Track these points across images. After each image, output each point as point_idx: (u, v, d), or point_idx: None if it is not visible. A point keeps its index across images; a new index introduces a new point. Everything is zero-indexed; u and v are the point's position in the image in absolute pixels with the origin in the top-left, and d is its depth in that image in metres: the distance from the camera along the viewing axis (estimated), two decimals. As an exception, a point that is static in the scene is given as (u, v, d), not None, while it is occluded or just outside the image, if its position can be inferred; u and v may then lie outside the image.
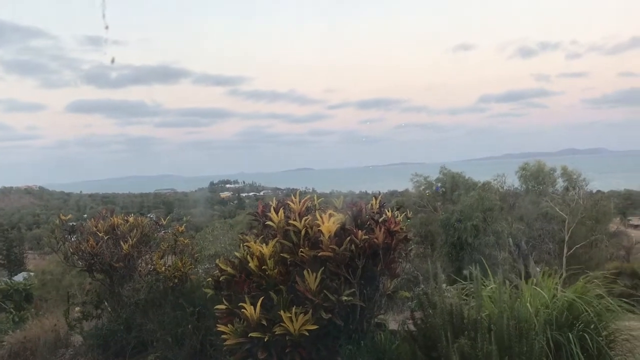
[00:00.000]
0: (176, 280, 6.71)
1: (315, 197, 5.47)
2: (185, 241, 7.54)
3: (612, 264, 22.62)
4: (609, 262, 23.92)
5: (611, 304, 4.84)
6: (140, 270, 7.13)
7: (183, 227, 7.75)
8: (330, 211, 4.97)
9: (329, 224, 4.70)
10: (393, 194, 43.01)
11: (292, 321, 4.41)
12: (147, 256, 7.32)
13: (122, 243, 7.08)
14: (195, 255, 7.64)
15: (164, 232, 7.92)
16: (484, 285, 5.10)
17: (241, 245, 5.10)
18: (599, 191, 40.44)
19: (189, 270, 6.93)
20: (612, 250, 28.91)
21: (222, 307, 4.80)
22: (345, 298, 4.53)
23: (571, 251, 23.95)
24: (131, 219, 7.58)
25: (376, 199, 5.30)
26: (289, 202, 5.21)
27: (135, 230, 7.31)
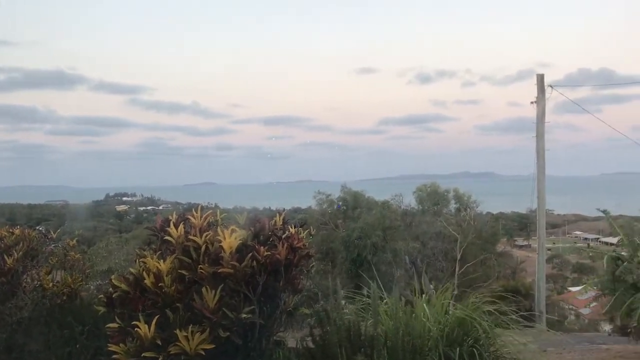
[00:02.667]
0: (65, 297, 6.32)
1: (217, 213, 5.37)
2: (77, 256, 7.13)
3: (499, 282, 24.03)
4: (497, 281, 25.39)
5: (500, 320, 5.13)
6: (25, 287, 6.63)
7: (74, 241, 7.35)
8: (232, 227, 4.90)
9: (230, 240, 4.62)
10: (297, 210, 43.34)
11: (188, 340, 4.27)
12: (33, 271, 6.83)
13: (5, 257, 6.56)
14: (87, 271, 7.26)
15: (54, 246, 7.44)
16: (381, 302, 5.23)
17: (137, 260, 4.90)
18: (488, 212, 43.07)
19: (80, 287, 6.56)
20: (500, 269, 30.77)
21: (115, 325, 4.56)
22: (245, 316, 4.46)
23: (462, 269, 25.21)
24: (17, 231, 7.04)
25: (280, 215, 5.30)
26: (189, 217, 5.07)
27: (21, 244, 6.79)
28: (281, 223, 5.24)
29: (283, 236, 4.99)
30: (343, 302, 5.40)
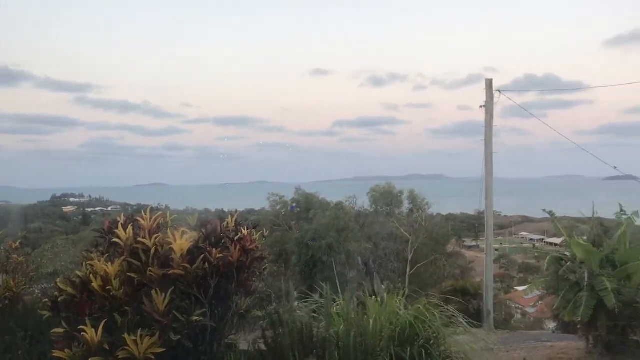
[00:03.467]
0: (7, 302, 6.07)
1: (168, 214, 5.28)
2: (20, 259, 6.88)
3: (449, 282, 24.48)
4: (446, 280, 25.88)
5: (449, 320, 5.23)
6: (-38, 291, 6.35)
7: (17, 243, 7.09)
8: (183, 229, 4.83)
9: (181, 241, 4.55)
10: (250, 212, 43.04)
11: (137, 344, 4.17)
12: (-28, 275, 6.55)
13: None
14: (31, 274, 7.00)
15: (-6, 249, 7.15)
16: (334, 303, 5.25)
17: (84, 263, 4.76)
18: (439, 214, 43.90)
19: (23, 291, 6.32)
20: (449, 269, 31.39)
21: (60, 330, 4.41)
22: (196, 318, 4.40)
23: (414, 270, 25.59)
24: (-46, 234, 6.76)
25: (232, 217, 5.25)
26: (138, 218, 4.96)
27: (-41, 247, 6.52)
28: (233, 225, 5.19)
29: (235, 238, 4.95)
30: (296, 303, 5.39)
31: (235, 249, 4.75)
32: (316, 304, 5.38)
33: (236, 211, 5.57)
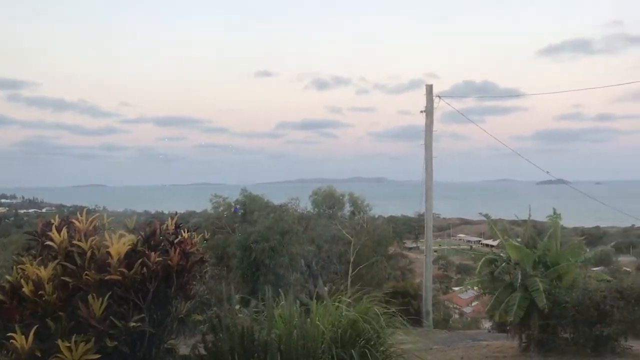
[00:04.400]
0: None
1: (105, 216, 5.13)
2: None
3: (390, 283, 24.87)
4: (387, 282, 26.27)
5: (390, 320, 5.31)
6: None
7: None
8: (121, 232, 4.70)
9: (118, 245, 4.43)
10: (192, 214, 42.33)
11: (71, 351, 4.03)
12: None
13: None
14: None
15: None
16: (276, 306, 5.24)
17: (14, 267, 4.55)
18: (380, 216, 44.59)
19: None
20: (390, 270, 31.91)
21: (-13, 338, 4.21)
22: (134, 324, 4.29)
23: (356, 271, 25.85)
24: None
25: (172, 219, 5.16)
26: (74, 220, 4.80)
27: None
28: (173, 227, 5.10)
29: (175, 241, 4.86)
30: (238, 307, 5.35)
31: (174, 252, 4.67)
32: (258, 307, 5.36)
33: (176, 213, 5.48)
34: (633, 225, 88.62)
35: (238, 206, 28.46)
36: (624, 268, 44.09)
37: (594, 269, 22.08)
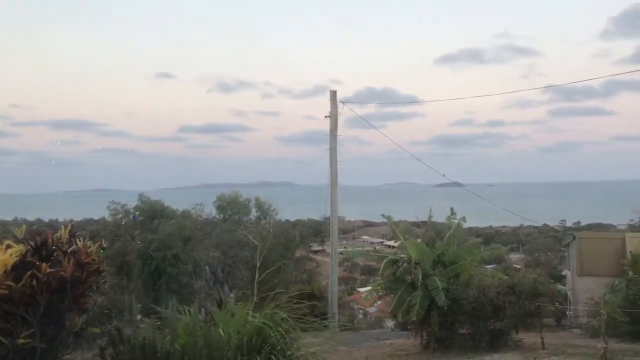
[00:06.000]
0: None
1: (-11, 226, 4.74)
2: None
3: (297, 286, 24.94)
4: (294, 285, 26.32)
5: (296, 324, 5.31)
6: None
7: None
8: (8, 242, 4.37)
9: (5, 256, 4.11)
10: (89, 222, 40.34)
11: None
12: None
13: None
14: None
15: None
16: (181, 315, 5.08)
17: None
18: (287, 220, 44.69)
19: None
20: (297, 274, 32.01)
21: None
22: (22, 341, 3.99)
23: (262, 276, 25.68)
24: None
25: (66, 227, 4.86)
26: (-47, 231, 4.40)
27: None
28: (67, 236, 4.81)
29: (69, 251, 4.59)
30: (139, 317, 5.14)
31: (68, 262, 4.40)
32: (161, 317, 5.17)
33: (71, 221, 5.18)
34: (522, 224, 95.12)
35: (137, 213, 27.40)
36: (515, 265, 47.04)
37: (488, 267, 23.47)
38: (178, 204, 31.03)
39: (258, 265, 25.80)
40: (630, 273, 17.00)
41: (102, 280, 5.14)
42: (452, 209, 15.30)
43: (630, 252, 18.61)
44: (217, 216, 32.53)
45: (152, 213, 27.30)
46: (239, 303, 5.51)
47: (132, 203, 28.14)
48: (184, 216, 28.16)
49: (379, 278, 15.61)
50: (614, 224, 74.57)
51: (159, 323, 5.09)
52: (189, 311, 5.05)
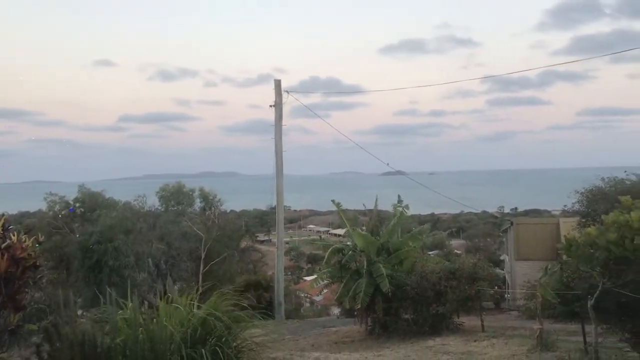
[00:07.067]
0: None
1: None
2: None
3: (243, 277, 24.83)
4: (240, 276, 26.20)
5: (242, 315, 5.29)
6: None
7: None
8: None
9: None
10: (24, 215, 38.70)
11: None
12: None
13: None
14: None
15: None
16: (123, 309, 4.97)
17: None
18: (232, 211, 44.32)
19: None
20: (243, 264, 31.87)
21: None
22: (-48, 341, 3.82)
23: (207, 268, 25.43)
24: None
25: (-1, 221, 4.66)
26: None
27: None
28: (1, 231, 4.62)
29: (3, 246, 4.41)
30: (80, 312, 5.00)
31: (2, 258, 4.23)
32: (102, 311, 5.04)
33: (4, 215, 4.97)
34: (462, 211, 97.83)
35: (76, 204, 26.53)
36: (455, 251, 48.38)
37: (430, 253, 24.04)
38: (120, 195, 30.29)
39: (203, 256, 25.52)
40: (564, 256, 17.77)
41: (40, 276, 4.96)
42: (399, 196, 15.55)
43: (564, 236, 19.38)
44: (160, 207, 31.94)
45: (93, 205, 26.52)
46: (183, 295, 5.44)
47: (71, 195, 27.25)
48: (125, 208, 27.49)
49: (324, 267, 15.74)
50: (549, 209, 77.76)
51: (99, 317, 4.96)
52: (131, 305, 4.95)
